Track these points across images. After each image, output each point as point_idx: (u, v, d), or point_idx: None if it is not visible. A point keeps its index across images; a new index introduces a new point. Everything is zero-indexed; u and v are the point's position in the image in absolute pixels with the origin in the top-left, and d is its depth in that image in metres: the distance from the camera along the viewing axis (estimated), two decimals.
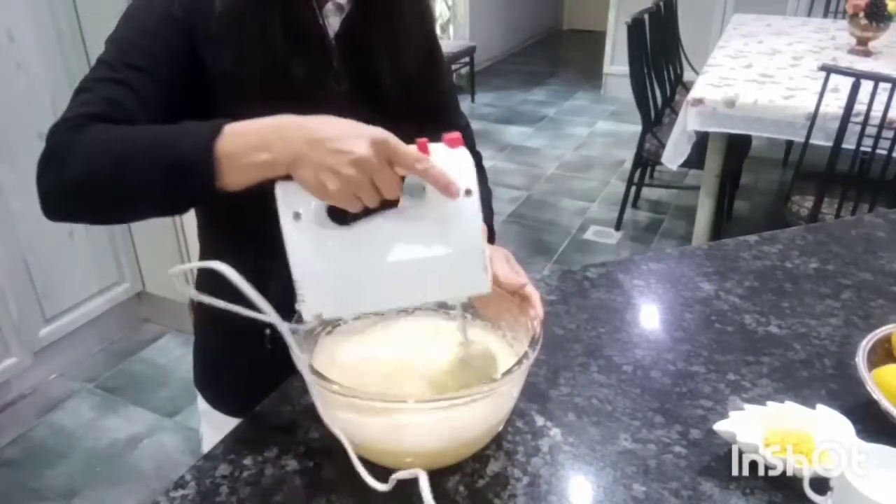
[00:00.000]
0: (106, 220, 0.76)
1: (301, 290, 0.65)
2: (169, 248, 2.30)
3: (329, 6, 0.82)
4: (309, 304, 0.65)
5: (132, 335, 2.51)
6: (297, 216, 0.63)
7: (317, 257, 0.64)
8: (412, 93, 0.86)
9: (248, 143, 0.63)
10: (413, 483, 0.70)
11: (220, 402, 1.00)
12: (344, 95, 0.84)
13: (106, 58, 0.74)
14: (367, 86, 0.84)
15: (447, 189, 0.62)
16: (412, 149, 0.62)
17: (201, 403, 1.03)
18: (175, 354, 2.41)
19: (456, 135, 0.64)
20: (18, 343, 2.13)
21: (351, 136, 0.61)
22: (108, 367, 2.36)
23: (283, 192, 0.63)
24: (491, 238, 0.92)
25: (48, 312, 2.22)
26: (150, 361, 2.39)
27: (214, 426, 0.95)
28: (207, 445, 0.85)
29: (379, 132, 0.61)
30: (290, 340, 0.66)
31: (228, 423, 0.81)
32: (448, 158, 0.63)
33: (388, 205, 0.65)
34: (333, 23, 0.82)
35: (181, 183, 0.65)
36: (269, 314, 0.64)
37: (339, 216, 0.65)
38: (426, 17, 0.90)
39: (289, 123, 0.63)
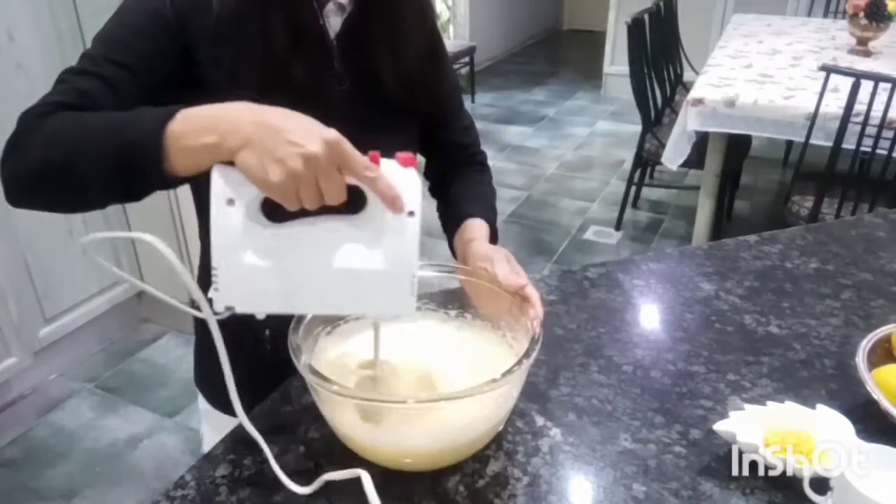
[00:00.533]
0: (66, 207, 0.74)
1: (217, 278, 0.62)
2: (169, 248, 2.30)
3: (330, 6, 0.81)
4: (222, 293, 0.63)
5: (132, 335, 2.51)
6: (230, 202, 0.60)
7: (240, 248, 0.61)
8: (414, 92, 0.86)
9: (197, 125, 0.61)
10: (413, 482, 0.71)
11: (221, 401, 1.00)
12: (344, 95, 0.84)
13: (90, 52, 0.74)
14: (368, 85, 0.84)
15: (392, 202, 0.60)
16: (363, 157, 0.60)
17: (202, 403, 1.03)
18: (175, 354, 2.41)
19: (409, 155, 0.62)
20: (18, 343, 2.13)
21: (306, 132, 0.58)
22: (108, 367, 2.36)
23: (220, 176, 0.60)
24: (493, 238, 0.92)
25: (48, 312, 2.22)
26: (150, 361, 2.39)
27: (214, 426, 0.95)
28: (207, 445, 0.85)
29: (333, 133, 0.59)
30: (215, 332, 0.64)
31: (228, 423, 0.81)
32: (397, 176, 0.61)
33: (326, 211, 0.62)
34: (334, 23, 0.82)
35: (131, 164, 0.64)
36: (202, 306, 0.62)
37: (275, 217, 0.63)
38: (427, 16, 0.90)
39: (242, 108, 0.61)
